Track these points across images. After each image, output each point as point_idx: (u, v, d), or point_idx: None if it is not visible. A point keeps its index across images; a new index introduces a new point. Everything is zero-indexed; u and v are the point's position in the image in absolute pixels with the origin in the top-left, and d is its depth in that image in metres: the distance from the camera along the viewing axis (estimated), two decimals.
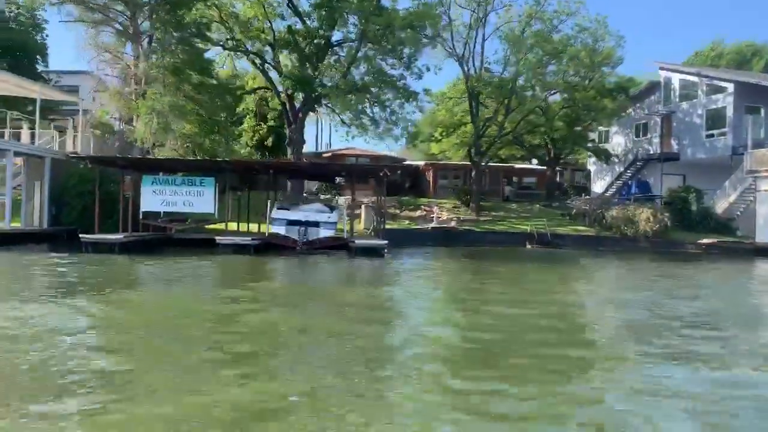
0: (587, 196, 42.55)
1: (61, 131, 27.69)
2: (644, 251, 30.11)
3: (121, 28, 26.46)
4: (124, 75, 26.40)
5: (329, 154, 41.57)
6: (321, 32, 29.98)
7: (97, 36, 26.57)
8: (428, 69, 31.68)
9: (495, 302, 11.97)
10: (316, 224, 21.36)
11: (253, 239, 21.10)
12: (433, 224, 33.56)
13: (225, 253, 19.83)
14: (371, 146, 43.41)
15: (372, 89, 29.26)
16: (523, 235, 32.24)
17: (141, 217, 21.86)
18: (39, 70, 41.76)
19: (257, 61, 31.66)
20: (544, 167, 42.81)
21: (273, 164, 22.03)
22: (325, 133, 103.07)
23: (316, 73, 30.68)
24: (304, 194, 37.79)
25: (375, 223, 30.06)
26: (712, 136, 36.77)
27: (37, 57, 42.29)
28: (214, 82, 28.47)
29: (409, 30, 27.48)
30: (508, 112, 35.85)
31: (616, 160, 44.75)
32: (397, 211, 35.17)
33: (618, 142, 45.90)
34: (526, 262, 23.66)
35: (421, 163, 44.06)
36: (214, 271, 16.64)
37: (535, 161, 46.77)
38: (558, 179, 49.22)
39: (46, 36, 42.84)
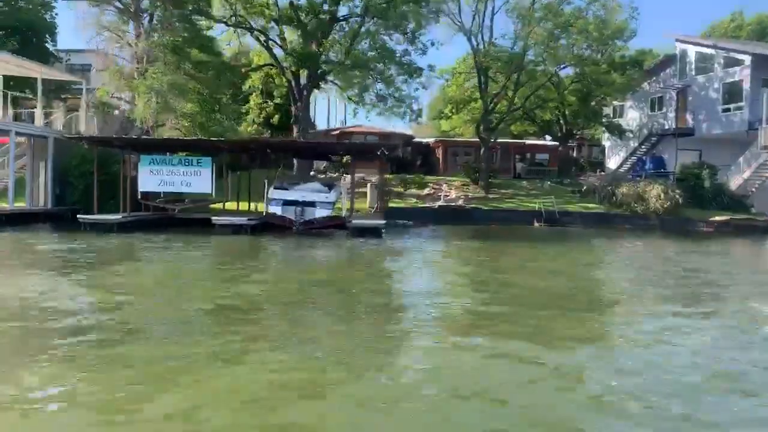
0: (602, 172, 41.94)
1: (72, 110, 27.73)
2: (654, 229, 29.59)
3: (121, 6, 26.24)
4: (125, 54, 26.26)
5: (337, 132, 41.21)
6: (325, 7, 29.52)
7: (100, 15, 26.38)
8: (432, 44, 31.18)
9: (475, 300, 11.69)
10: (313, 204, 21.15)
11: (249, 219, 20.99)
12: (440, 202, 33.28)
13: (222, 234, 19.79)
14: (380, 123, 42.59)
15: (376, 65, 28.77)
16: (531, 213, 31.81)
17: (139, 197, 21.87)
18: (49, 50, 41.89)
19: (261, 38, 31.35)
20: (557, 143, 42.06)
21: (269, 142, 21.76)
22: (339, 111, 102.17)
23: (321, 50, 30.29)
24: (312, 173, 37.65)
25: (379, 202, 29.90)
26: (729, 110, 35.79)
27: (47, 36, 42.33)
28: (216, 59, 28.16)
29: (412, 4, 26.93)
30: (517, 87, 35.19)
31: (631, 135, 43.93)
32: (402, 190, 34.77)
33: (633, 116, 44.95)
34: (530, 241, 23.31)
35: (431, 140, 43.57)
36: (199, 251, 16.56)
37: (548, 137, 46.05)
38: (575, 155, 48.52)
39: (56, 15, 42.82)
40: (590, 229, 29.59)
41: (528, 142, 44.87)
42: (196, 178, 21.48)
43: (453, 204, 32.83)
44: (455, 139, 42.88)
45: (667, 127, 40.49)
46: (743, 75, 34.77)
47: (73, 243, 16.63)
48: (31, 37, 39.87)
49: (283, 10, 29.71)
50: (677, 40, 40.30)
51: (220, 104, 28.20)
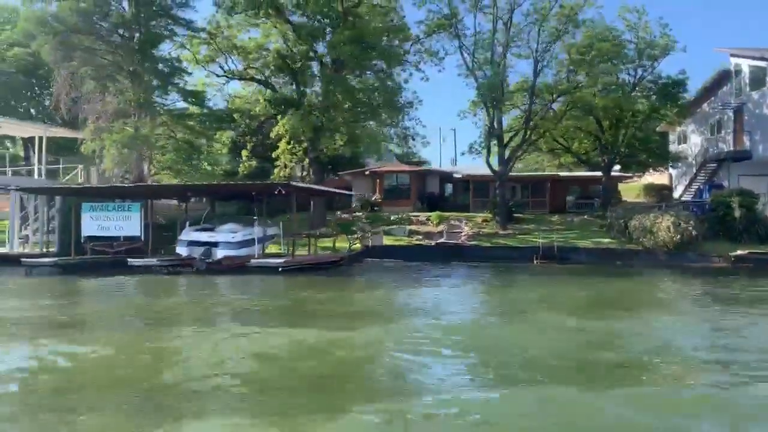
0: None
1: None
2: (658, 266, 26.43)
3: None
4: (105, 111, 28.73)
5: (367, 171, 41.64)
6: (311, 54, 30.49)
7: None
8: (405, 81, 31.19)
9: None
10: (215, 245, 21.78)
11: (160, 260, 22.03)
12: (441, 239, 32.37)
13: (138, 274, 20.93)
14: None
15: (343, 108, 28.92)
16: (532, 250, 29.93)
17: (82, 241, 23.84)
18: None
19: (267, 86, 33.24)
20: (600, 174, 39.06)
21: (189, 187, 23.30)
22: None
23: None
24: (339, 213, 38.35)
25: (363, 240, 29.88)
26: None
27: None
28: (197, 110, 30.00)
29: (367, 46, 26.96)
30: (528, 120, 33.62)
31: (694, 162, 39.82)
32: (415, 227, 34.34)
33: (695, 141, 40.74)
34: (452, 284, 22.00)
35: (459, 176, 42.62)
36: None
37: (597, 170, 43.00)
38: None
39: None
40: (590, 265, 27.22)
41: (565, 174, 42.29)
42: (127, 223, 23.08)
43: (451, 241, 31.77)
44: (482, 174, 41.46)
45: (726, 150, 36.18)
46: None
47: None
48: None
49: (272, 58, 31.13)
50: (731, 55, 36.10)
51: (200, 151, 29.96)
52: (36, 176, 31.15)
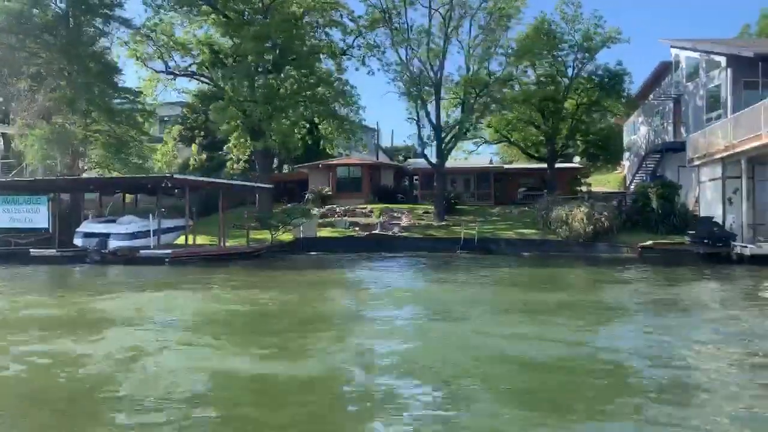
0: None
1: None
2: (569, 256, 26.91)
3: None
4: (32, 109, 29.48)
5: (320, 164, 42.31)
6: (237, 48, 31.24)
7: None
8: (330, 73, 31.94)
9: None
10: (107, 236, 22.67)
11: (59, 251, 22.94)
12: (376, 231, 33.06)
13: (35, 263, 21.88)
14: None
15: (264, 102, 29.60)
16: (456, 241, 30.59)
17: None
18: None
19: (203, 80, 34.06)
20: (545, 166, 39.44)
21: (89, 181, 24.41)
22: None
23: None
24: (290, 204, 39.26)
25: (290, 232, 30.66)
26: (711, 119, 31.42)
27: None
28: (126, 107, 30.90)
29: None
30: (462, 112, 34.13)
31: (642, 153, 39.99)
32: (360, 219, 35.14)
33: (643, 132, 40.88)
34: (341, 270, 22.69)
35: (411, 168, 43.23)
36: None
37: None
38: None
39: None
40: (507, 255, 27.84)
41: (511, 167, 42.74)
42: (35, 215, 24.09)
43: (382, 232, 32.48)
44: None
45: (668, 141, 36.35)
46: (721, 78, 30.51)
47: None
48: None
49: (206, 55, 31.93)
50: (672, 46, 36.20)
51: (129, 146, 30.74)
52: None
